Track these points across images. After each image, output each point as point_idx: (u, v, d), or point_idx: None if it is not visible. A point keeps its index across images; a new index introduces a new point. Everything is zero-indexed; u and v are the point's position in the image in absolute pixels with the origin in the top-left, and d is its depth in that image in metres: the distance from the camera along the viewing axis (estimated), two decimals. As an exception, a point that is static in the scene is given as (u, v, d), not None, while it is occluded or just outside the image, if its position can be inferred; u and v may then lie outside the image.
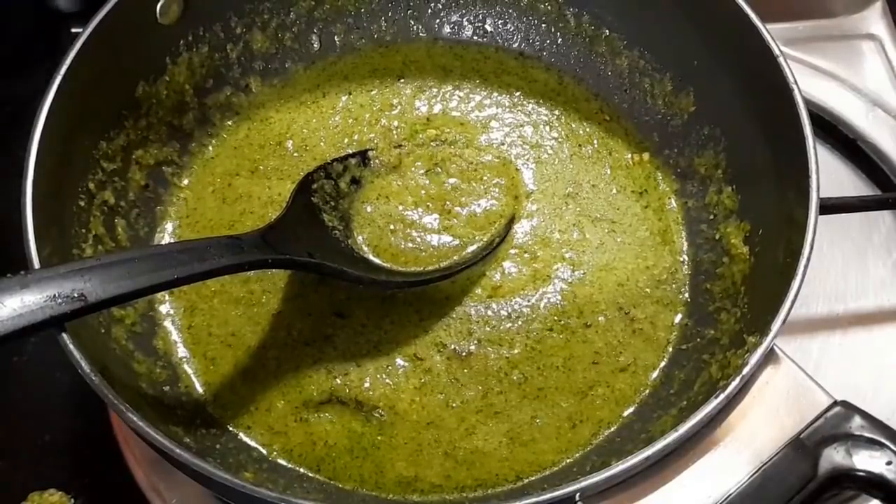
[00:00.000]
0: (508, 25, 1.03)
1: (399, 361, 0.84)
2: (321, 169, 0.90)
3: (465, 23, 1.03)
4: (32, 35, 1.14)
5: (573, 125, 0.98)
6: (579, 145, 0.96)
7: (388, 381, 0.83)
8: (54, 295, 0.62)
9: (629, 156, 0.96)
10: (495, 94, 0.99)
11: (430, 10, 1.03)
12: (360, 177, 0.92)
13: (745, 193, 0.87)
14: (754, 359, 0.68)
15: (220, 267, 0.70)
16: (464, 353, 0.84)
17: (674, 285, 0.88)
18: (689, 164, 0.93)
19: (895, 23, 1.13)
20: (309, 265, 0.80)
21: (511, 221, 0.91)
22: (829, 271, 0.96)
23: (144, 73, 0.88)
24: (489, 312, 0.86)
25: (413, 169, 0.93)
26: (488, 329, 0.85)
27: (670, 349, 0.85)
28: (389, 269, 0.87)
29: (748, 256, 0.83)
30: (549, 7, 1.00)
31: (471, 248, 0.89)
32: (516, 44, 1.02)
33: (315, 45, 1.01)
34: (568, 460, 0.80)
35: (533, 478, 0.79)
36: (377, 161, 0.93)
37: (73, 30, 1.10)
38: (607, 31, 0.98)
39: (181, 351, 0.85)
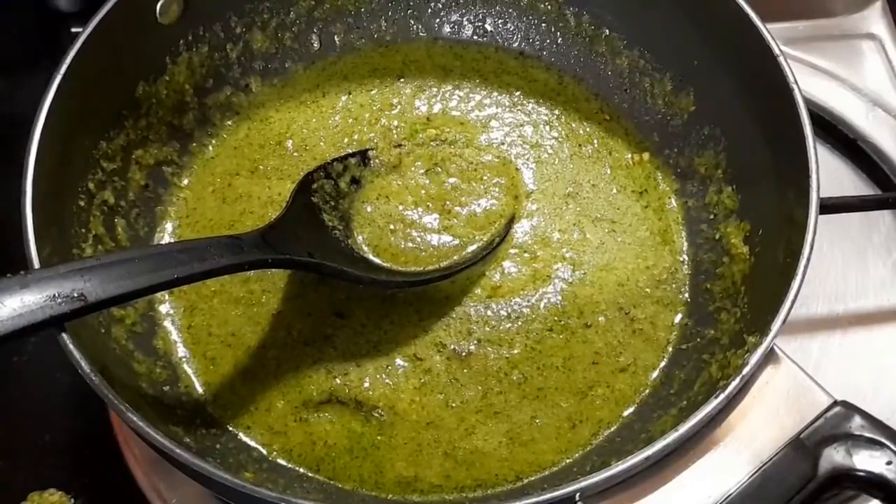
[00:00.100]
0: (508, 25, 1.03)
1: (399, 361, 0.84)
2: (321, 169, 0.90)
3: (465, 22, 1.03)
4: (32, 35, 1.14)
5: (573, 125, 0.98)
6: (579, 145, 0.96)
7: (387, 381, 0.83)
8: (54, 295, 0.62)
9: (629, 156, 0.96)
10: (495, 93, 0.99)
11: (430, 10, 1.03)
12: (360, 176, 0.92)
13: (745, 193, 0.87)
14: (754, 359, 0.68)
15: (220, 267, 0.70)
16: (463, 353, 0.84)
17: (674, 285, 0.88)
18: (689, 163, 0.93)
19: (895, 23, 1.13)
20: (309, 265, 0.80)
21: (511, 221, 0.91)
22: (829, 271, 0.96)
23: (144, 72, 0.88)
24: (489, 312, 0.86)
25: (413, 169, 0.93)
26: (488, 329, 0.85)
27: (670, 349, 0.85)
28: (389, 269, 0.87)
29: (748, 256, 0.83)
30: (549, 7, 1.00)
31: (471, 248, 0.89)
32: (516, 43, 1.02)
33: (315, 45, 1.01)
34: (568, 460, 0.80)
35: (532, 478, 0.79)
36: (377, 161, 0.93)
37: (73, 30, 1.10)
38: (607, 30, 0.98)
39: (181, 351, 0.85)
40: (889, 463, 0.64)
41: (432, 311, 0.86)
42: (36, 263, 0.71)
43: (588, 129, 0.97)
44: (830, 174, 1.01)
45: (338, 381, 0.82)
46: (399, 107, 0.98)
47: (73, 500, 0.84)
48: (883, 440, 0.65)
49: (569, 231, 0.91)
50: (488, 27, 1.03)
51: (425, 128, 0.97)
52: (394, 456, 0.80)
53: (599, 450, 0.80)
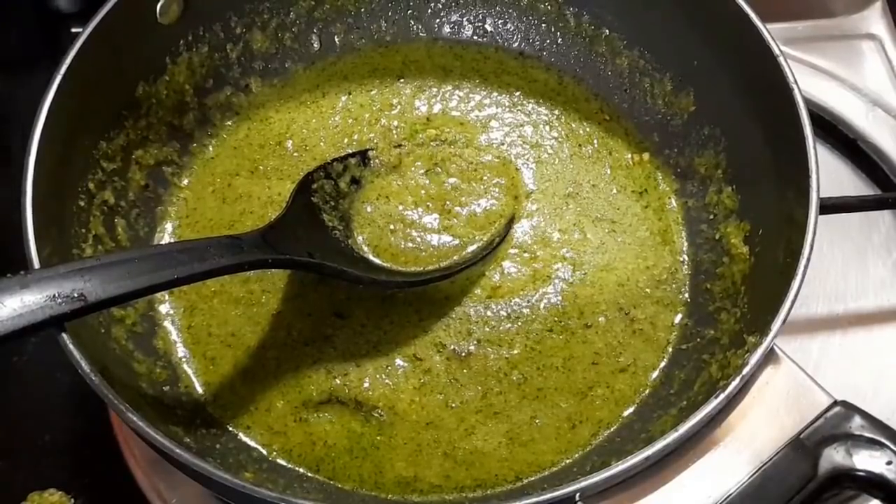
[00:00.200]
0: (508, 25, 1.03)
1: (398, 362, 0.84)
2: (321, 169, 0.90)
3: (465, 23, 1.03)
4: (32, 35, 1.14)
5: (573, 125, 0.98)
6: (579, 145, 0.96)
7: (387, 381, 0.83)
8: (54, 295, 0.62)
9: (629, 156, 0.96)
10: (495, 93, 0.99)
11: (430, 10, 1.03)
12: (360, 177, 0.92)
13: (745, 193, 0.87)
14: (754, 359, 0.68)
15: (220, 267, 0.70)
16: (463, 354, 0.84)
17: (674, 285, 0.88)
18: (689, 164, 0.93)
19: (895, 23, 1.13)
20: (309, 265, 0.80)
21: (511, 221, 0.91)
22: (829, 271, 0.96)
23: (144, 73, 0.88)
24: (489, 313, 0.86)
25: (413, 169, 0.93)
26: (488, 329, 0.85)
27: (670, 349, 0.85)
28: (389, 269, 0.87)
29: (748, 256, 0.83)
30: (549, 7, 1.00)
31: (471, 248, 0.89)
32: (516, 44, 1.02)
33: (315, 45, 1.01)
34: (567, 461, 0.80)
35: (532, 478, 0.79)
36: (377, 161, 0.93)
37: (73, 30, 1.10)
38: (607, 31, 0.98)
39: (181, 351, 0.85)
40: (889, 463, 0.64)
41: (432, 312, 0.86)
42: (36, 263, 0.71)
43: (588, 129, 0.97)
44: (830, 174, 1.01)
45: (337, 381, 0.82)
46: (399, 107, 0.98)
47: (73, 500, 0.84)
48: (883, 440, 0.65)
49: (569, 231, 0.91)
50: (488, 27, 1.03)
51: (425, 128, 0.97)
52: (393, 456, 0.80)
53: (599, 450, 0.80)
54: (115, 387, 0.66)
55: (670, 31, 0.92)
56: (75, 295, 0.63)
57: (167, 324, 0.86)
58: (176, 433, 0.74)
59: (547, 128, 0.98)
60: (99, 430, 0.86)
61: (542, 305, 0.87)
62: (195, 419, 0.80)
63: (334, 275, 0.81)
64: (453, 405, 0.82)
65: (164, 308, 0.87)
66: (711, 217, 0.89)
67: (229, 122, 0.97)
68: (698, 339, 0.83)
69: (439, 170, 0.93)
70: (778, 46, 0.80)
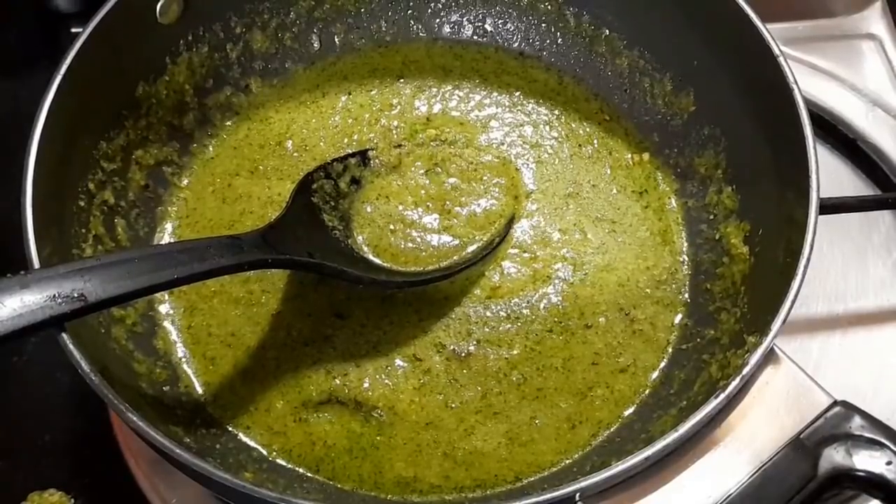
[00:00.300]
0: (508, 25, 1.03)
1: (398, 362, 0.84)
2: (321, 169, 0.90)
3: (465, 22, 1.03)
4: (32, 35, 1.14)
5: (573, 125, 0.98)
6: (579, 145, 0.96)
7: (387, 381, 0.83)
8: (54, 295, 0.62)
9: (629, 156, 0.96)
10: (495, 93, 0.99)
11: (430, 10, 1.03)
12: (360, 177, 0.92)
13: (745, 193, 0.87)
14: (754, 359, 0.68)
15: (220, 267, 0.70)
16: (463, 354, 0.84)
17: (674, 285, 0.88)
18: (689, 164, 0.93)
19: (895, 23, 1.13)
20: (309, 265, 0.80)
21: (511, 221, 0.91)
22: (829, 271, 0.96)
23: (144, 73, 0.88)
24: (488, 313, 0.86)
25: (413, 169, 0.93)
26: (487, 330, 0.85)
27: (670, 349, 0.85)
28: (389, 269, 0.87)
29: (748, 256, 0.83)
30: (549, 7, 1.00)
31: (471, 248, 0.89)
32: (516, 44, 1.02)
33: (315, 45, 1.01)
34: (567, 461, 0.80)
35: (532, 478, 0.79)
36: (377, 161, 0.93)
37: (73, 30, 1.10)
38: (607, 31, 0.98)
39: (181, 351, 0.85)
40: (889, 463, 0.64)
41: (432, 312, 0.86)
42: (36, 263, 0.71)
43: (588, 129, 0.97)
44: (830, 174, 1.01)
45: (337, 381, 0.82)
46: (399, 107, 0.98)
47: (73, 500, 0.84)
48: (883, 440, 0.65)
49: (569, 231, 0.91)
50: (488, 27, 1.03)
51: (425, 128, 0.97)
52: (393, 456, 0.80)
53: (599, 450, 0.80)
54: (115, 387, 0.66)
55: (670, 31, 0.92)
56: (75, 295, 0.63)
57: (167, 324, 0.86)
58: (176, 433, 0.74)
59: (547, 128, 0.98)
60: (99, 430, 0.86)
61: (541, 306, 0.87)
62: (195, 419, 0.80)
63: (334, 275, 0.81)
64: (453, 405, 0.82)
65: (164, 308, 0.87)
66: (711, 217, 0.89)
67: (229, 122, 0.97)
68: (698, 339, 0.83)
69: (439, 170, 0.93)
70: (778, 46, 0.80)
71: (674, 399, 0.79)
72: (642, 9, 0.94)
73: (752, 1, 0.82)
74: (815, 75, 1.07)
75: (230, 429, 0.81)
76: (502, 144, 0.96)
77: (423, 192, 0.92)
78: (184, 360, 0.85)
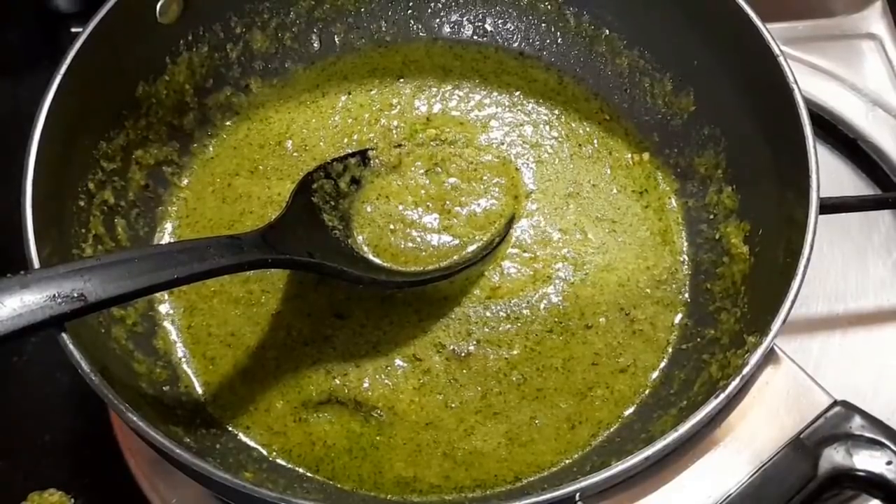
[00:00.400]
0: (508, 25, 1.03)
1: (398, 362, 0.84)
2: (321, 169, 0.90)
3: (465, 22, 1.03)
4: (32, 35, 1.14)
5: (573, 125, 0.98)
6: (579, 145, 0.96)
7: (387, 381, 0.83)
8: (54, 295, 0.62)
9: (629, 155, 0.96)
10: (495, 93, 0.99)
11: (429, 10, 1.03)
12: (359, 177, 0.92)
13: (745, 193, 0.87)
14: (754, 359, 0.68)
15: (220, 267, 0.70)
16: (463, 354, 0.84)
17: (674, 285, 0.88)
18: (689, 163, 0.93)
19: (895, 23, 1.13)
20: (309, 265, 0.80)
21: (511, 221, 0.91)
22: (829, 271, 0.96)
23: (144, 73, 0.88)
24: (488, 313, 0.86)
25: (413, 169, 0.93)
26: (487, 330, 0.85)
27: (670, 349, 0.85)
28: (389, 269, 0.87)
29: (748, 256, 0.83)
30: (549, 7, 1.00)
31: (471, 248, 0.89)
32: (516, 43, 1.02)
33: (315, 45, 1.01)
34: (567, 461, 0.80)
35: (531, 478, 0.79)
36: (377, 161, 0.93)
37: (73, 30, 1.10)
38: (607, 30, 0.98)
39: (181, 351, 0.85)
40: (889, 463, 0.64)
41: (431, 312, 0.86)
42: (36, 263, 0.71)
43: (588, 129, 0.97)
44: (830, 174, 1.01)
45: (337, 381, 0.82)
46: (399, 107, 0.98)
47: (73, 500, 0.84)
48: (883, 440, 0.65)
49: (569, 231, 0.91)
50: (488, 27, 1.03)
51: (425, 128, 0.97)
52: (393, 456, 0.80)
53: (599, 450, 0.80)
54: (115, 387, 0.66)
55: (670, 31, 0.92)
56: (75, 295, 0.63)
57: (167, 324, 0.86)
58: (176, 433, 0.74)
59: (547, 127, 0.98)
60: (99, 430, 0.86)
61: (541, 306, 0.87)
62: (195, 419, 0.80)
63: (334, 275, 0.81)
64: (453, 405, 0.82)
65: (164, 308, 0.87)
66: (711, 217, 0.89)
67: (229, 122, 0.97)
68: (698, 339, 0.83)
69: (439, 170, 0.93)
70: (778, 46, 0.80)
71: (674, 399, 0.79)
72: (642, 9, 0.94)
73: (752, 1, 0.82)
74: (815, 75, 1.07)
75: (230, 429, 0.81)
76: (502, 144, 0.96)
77: (423, 191, 0.92)
78: (184, 360, 0.85)
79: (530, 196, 0.93)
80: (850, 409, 0.67)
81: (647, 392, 0.83)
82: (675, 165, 0.94)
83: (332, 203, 0.89)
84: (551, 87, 1.00)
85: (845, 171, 1.03)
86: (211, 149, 0.96)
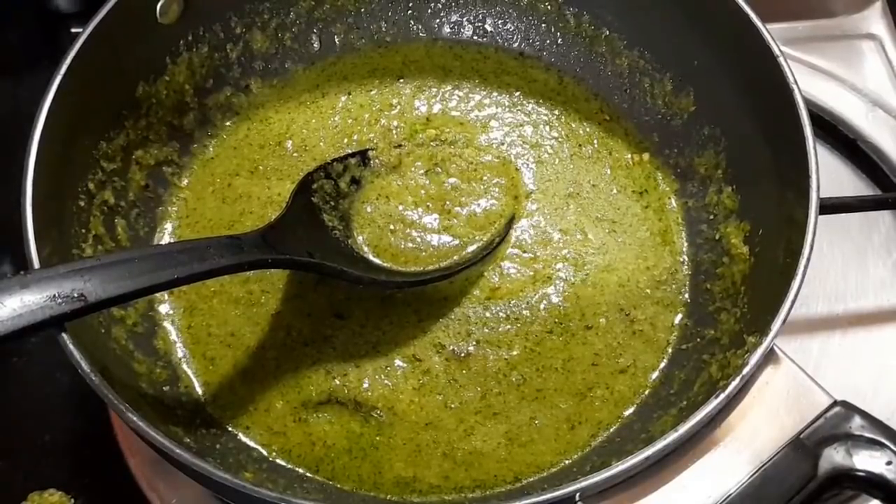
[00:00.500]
0: (508, 25, 1.03)
1: (398, 362, 0.84)
2: (321, 169, 0.90)
3: (465, 23, 1.03)
4: (32, 35, 1.14)
5: (573, 125, 0.98)
6: (579, 145, 0.96)
7: (386, 381, 0.83)
8: (54, 295, 0.62)
9: (629, 156, 0.96)
10: (495, 93, 0.99)
11: (429, 10, 1.03)
12: (359, 177, 0.92)
13: (745, 193, 0.87)
14: (754, 359, 0.68)
15: (220, 267, 0.70)
16: (462, 354, 0.84)
17: (674, 286, 0.88)
18: (689, 164, 0.93)
19: (895, 23, 1.13)
20: (309, 265, 0.80)
21: (511, 221, 0.91)
22: (829, 271, 0.96)
23: (144, 73, 0.88)
24: (487, 314, 0.86)
25: (413, 169, 0.93)
26: (487, 330, 0.85)
27: (670, 350, 0.85)
28: (389, 269, 0.87)
29: (748, 256, 0.83)
30: (549, 7, 1.00)
31: (471, 248, 0.89)
32: (516, 44, 1.02)
33: (315, 46, 1.01)
34: (567, 461, 0.80)
35: (531, 479, 0.79)
36: (377, 161, 0.93)
37: (73, 30, 1.10)
38: (607, 31, 0.98)
39: (181, 351, 0.85)
40: (889, 463, 0.64)
41: (431, 312, 0.86)
42: (36, 263, 0.71)
43: (588, 129, 0.97)
44: (830, 174, 1.01)
45: (337, 381, 0.82)
46: (399, 107, 0.98)
47: (73, 500, 0.84)
48: (883, 440, 0.65)
49: (570, 231, 0.91)
50: (488, 27, 1.03)
51: (425, 128, 0.97)
52: (393, 456, 0.80)
53: (599, 450, 0.80)
54: (115, 387, 0.66)
55: (670, 31, 0.92)
56: (75, 295, 0.63)
57: (167, 324, 0.86)
58: (176, 433, 0.74)
59: (547, 128, 0.98)
60: (99, 430, 0.86)
61: (541, 307, 0.87)
62: (195, 419, 0.80)
63: (334, 275, 0.81)
64: (452, 406, 0.82)
65: (164, 308, 0.87)
66: (711, 217, 0.89)
67: (229, 123, 0.97)
68: (698, 340, 0.83)
69: (439, 170, 0.93)
70: (778, 46, 0.80)
71: (674, 399, 0.79)
72: (642, 9, 0.94)
73: (752, 1, 0.82)
74: (815, 75, 1.07)
75: (230, 429, 0.81)
76: (502, 144, 0.96)
77: (423, 192, 0.92)
78: (184, 360, 0.85)
79: (530, 196, 0.93)
80: (850, 409, 0.67)
81: (647, 392, 0.83)
82: (675, 165, 0.94)
83: (332, 203, 0.89)
84: (551, 87, 1.00)
85: (845, 172, 1.03)
86: (211, 149, 0.96)
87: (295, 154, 0.95)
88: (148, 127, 0.90)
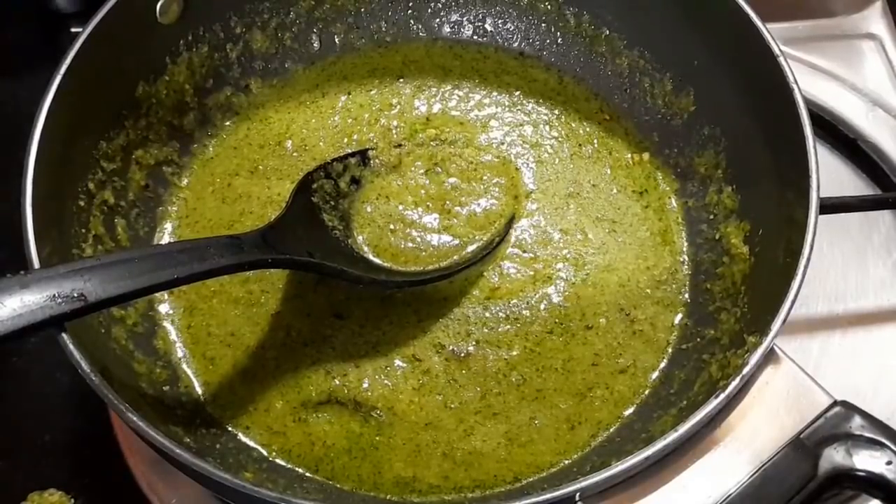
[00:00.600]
0: (508, 25, 1.03)
1: (397, 362, 0.84)
2: (321, 169, 0.90)
3: (465, 22, 1.03)
4: (32, 35, 1.14)
5: (573, 125, 0.98)
6: (579, 145, 0.96)
7: (386, 381, 0.83)
8: (54, 295, 0.62)
9: (629, 155, 0.96)
10: (495, 93, 0.99)
11: (429, 10, 1.03)
12: (359, 176, 0.92)
13: (745, 193, 0.87)
14: (754, 359, 0.68)
15: (220, 267, 0.70)
16: (462, 354, 0.84)
17: (674, 285, 0.88)
18: (689, 163, 0.93)
19: (895, 23, 1.13)
20: (309, 265, 0.80)
21: (511, 221, 0.91)
22: (829, 271, 0.96)
23: (144, 73, 0.88)
24: (487, 314, 0.86)
25: (413, 168, 0.93)
26: (486, 330, 0.85)
27: (670, 350, 0.85)
28: (389, 269, 0.87)
29: (748, 256, 0.83)
30: (549, 7, 1.00)
31: (471, 248, 0.89)
32: (516, 43, 1.02)
33: (315, 45, 1.01)
34: (566, 461, 0.80)
35: (531, 479, 0.79)
36: (377, 161, 0.93)
37: (73, 30, 1.10)
38: (607, 30, 0.98)
39: (181, 351, 0.85)
40: (889, 463, 0.64)
41: (431, 313, 0.86)
42: (36, 263, 0.71)
43: (588, 129, 0.97)
44: (830, 174, 1.01)
45: (337, 381, 0.82)
46: (399, 107, 0.98)
47: (73, 500, 0.84)
48: (883, 440, 0.65)
49: (570, 231, 0.91)
50: (488, 27, 1.03)
51: (425, 128, 0.97)
52: (392, 456, 0.80)
53: (599, 450, 0.80)
54: (115, 387, 0.66)
55: (670, 31, 0.92)
56: (75, 295, 0.63)
57: (167, 324, 0.86)
58: (176, 433, 0.74)
59: (547, 127, 0.98)
60: (99, 430, 0.86)
61: (541, 307, 0.87)
62: (195, 419, 0.80)
63: (334, 275, 0.81)
64: (452, 406, 0.82)
65: (164, 308, 0.87)
66: (711, 217, 0.89)
67: (229, 122, 0.97)
68: (698, 339, 0.83)
69: (439, 170, 0.93)
70: (778, 46, 0.80)
71: (674, 399, 0.79)
72: (642, 9, 0.94)
73: (752, 1, 0.82)
74: (815, 75, 1.07)
75: (230, 429, 0.81)
76: (502, 144, 0.96)
77: (423, 191, 0.92)
78: (184, 360, 0.85)
79: (530, 196, 0.93)
80: (850, 409, 0.67)
81: (647, 392, 0.83)
82: (675, 165, 0.94)
83: (332, 203, 0.89)
84: (551, 87, 1.00)
85: (845, 171, 1.03)
86: (211, 149, 0.96)
87: (295, 154, 0.95)
88: (148, 127, 0.90)
